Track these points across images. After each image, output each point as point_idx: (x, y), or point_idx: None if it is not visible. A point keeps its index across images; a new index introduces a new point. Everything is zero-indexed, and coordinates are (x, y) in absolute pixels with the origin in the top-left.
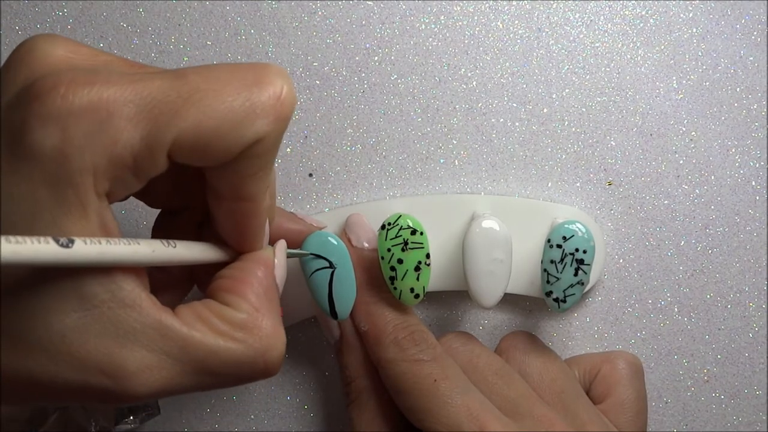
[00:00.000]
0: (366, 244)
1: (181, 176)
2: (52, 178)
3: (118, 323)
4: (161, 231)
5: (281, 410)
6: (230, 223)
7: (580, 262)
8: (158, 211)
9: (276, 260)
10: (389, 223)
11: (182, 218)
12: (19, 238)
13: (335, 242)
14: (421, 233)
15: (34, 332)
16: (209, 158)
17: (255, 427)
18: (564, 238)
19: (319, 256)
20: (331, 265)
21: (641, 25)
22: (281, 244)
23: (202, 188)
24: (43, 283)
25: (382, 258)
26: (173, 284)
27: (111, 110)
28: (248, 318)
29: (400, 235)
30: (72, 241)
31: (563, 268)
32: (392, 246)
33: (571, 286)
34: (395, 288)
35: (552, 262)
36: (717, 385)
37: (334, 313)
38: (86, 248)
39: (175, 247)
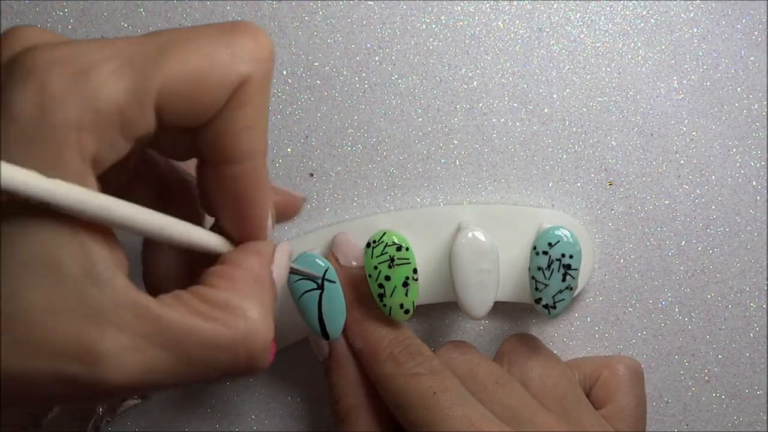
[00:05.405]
0: (354, 263)
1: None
2: (30, 136)
3: (88, 301)
4: None
5: (281, 410)
6: (229, 198)
7: (568, 267)
8: None
9: (276, 256)
10: (374, 241)
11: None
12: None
13: (322, 263)
14: (407, 249)
15: None
16: (197, 107)
17: (255, 427)
18: (549, 244)
19: (328, 280)
20: (319, 286)
21: (642, 25)
22: (285, 246)
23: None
24: (8, 251)
25: (370, 276)
26: (163, 289)
27: (90, 63)
28: (230, 298)
29: (386, 252)
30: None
31: (551, 274)
32: (379, 263)
33: (560, 291)
34: (385, 305)
35: (539, 269)
36: (718, 385)
37: (325, 334)
38: (69, 187)
39: (169, 219)
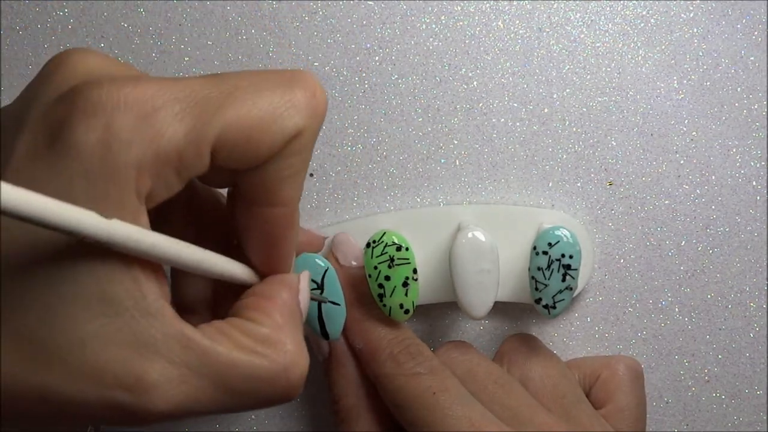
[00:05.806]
0: (354, 262)
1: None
2: (92, 172)
3: (140, 333)
4: None
5: (281, 410)
6: (261, 235)
7: (567, 267)
8: None
9: (300, 285)
10: (374, 241)
11: None
12: (62, 203)
13: (322, 263)
14: (407, 249)
15: (52, 339)
16: (251, 154)
17: (255, 427)
18: (549, 244)
19: (335, 303)
20: (319, 286)
21: (642, 25)
22: (306, 273)
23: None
24: (65, 285)
25: (370, 276)
26: (191, 310)
27: (156, 105)
28: (271, 333)
29: (386, 252)
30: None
31: (551, 274)
32: (379, 263)
33: (560, 291)
34: (384, 305)
35: (539, 269)
36: (718, 385)
37: (325, 334)
38: (125, 227)
39: (204, 251)
